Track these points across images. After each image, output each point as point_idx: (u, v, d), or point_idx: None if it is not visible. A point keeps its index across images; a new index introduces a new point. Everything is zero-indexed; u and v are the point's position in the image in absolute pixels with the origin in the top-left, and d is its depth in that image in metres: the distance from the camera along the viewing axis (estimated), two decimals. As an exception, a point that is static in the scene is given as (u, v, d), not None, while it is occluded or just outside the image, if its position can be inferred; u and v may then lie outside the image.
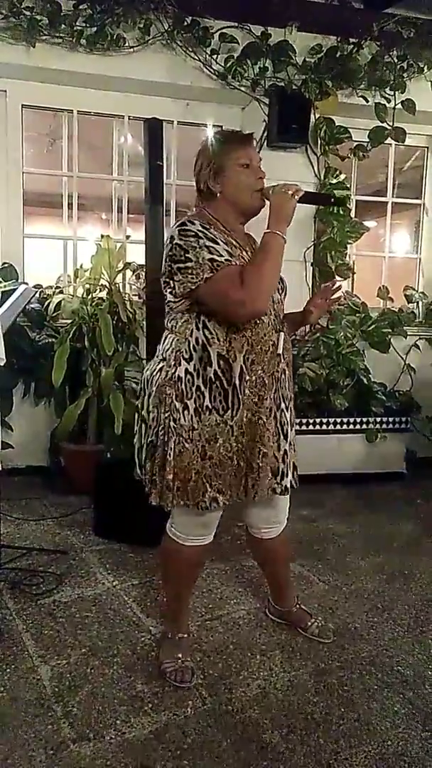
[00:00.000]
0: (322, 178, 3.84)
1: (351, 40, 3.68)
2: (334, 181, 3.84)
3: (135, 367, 3.58)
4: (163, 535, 1.84)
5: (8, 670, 1.85)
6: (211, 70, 3.57)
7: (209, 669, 1.90)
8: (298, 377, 3.59)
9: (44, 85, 3.51)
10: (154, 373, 1.70)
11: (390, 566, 2.67)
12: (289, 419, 1.80)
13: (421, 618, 2.26)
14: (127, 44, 3.38)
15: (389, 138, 3.82)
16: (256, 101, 3.70)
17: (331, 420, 3.68)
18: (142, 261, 2.96)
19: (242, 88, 3.65)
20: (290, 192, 1.68)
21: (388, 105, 3.75)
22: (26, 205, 3.69)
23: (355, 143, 3.91)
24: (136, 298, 3.67)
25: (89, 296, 3.45)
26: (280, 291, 1.79)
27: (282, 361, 1.74)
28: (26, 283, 3.11)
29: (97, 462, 3.12)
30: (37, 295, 3.45)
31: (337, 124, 3.77)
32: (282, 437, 1.76)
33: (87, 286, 3.49)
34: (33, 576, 2.38)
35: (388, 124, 3.77)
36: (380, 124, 3.77)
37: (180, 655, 1.86)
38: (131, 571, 2.52)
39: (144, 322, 3.00)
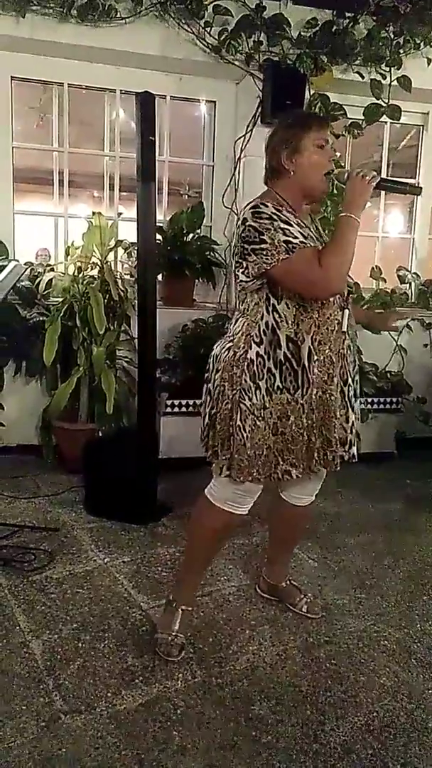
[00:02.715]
0: (316, 156, 3.80)
1: (347, 14, 3.62)
2: (328, 159, 3.80)
3: (126, 345, 3.57)
4: (200, 498, 1.88)
5: (0, 645, 1.87)
6: (205, 44, 3.51)
7: (199, 643, 1.93)
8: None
9: (34, 57, 3.43)
10: (223, 351, 1.77)
11: (378, 544, 2.71)
12: (355, 391, 1.86)
13: (408, 594, 2.30)
14: (118, 15, 3.31)
15: (384, 115, 3.77)
16: (250, 76, 3.64)
17: (323, 400, 3.69)
18: (134, 239, 2.92)
19: (236, 63, 3.59)
20: (368, 178, 1.68)
21: (383, 81, 3.69)
22: (16, 182, 3.63)
23: (350, 120, 3.86)
24: (127, 277, 3.64)
25: (80, 274, 3.42)
26: None
27: (347, 338, 1.77)
28: (17, 260, 3.08)
29: (88, 440, 3.13)
30: (28, 272, 3.42)
31: (331, 100, 3.72)
32: (350, 409, 1.82)
33: (78, 264, 3.46)
34: (25, 553, 2.40)
35: (383, 101, 3.72)
36: (375, 101, 3.72)
37: (175, 628, 1.89)
38: (122, 548, 2.54)
39: (135, 301, 2.98)
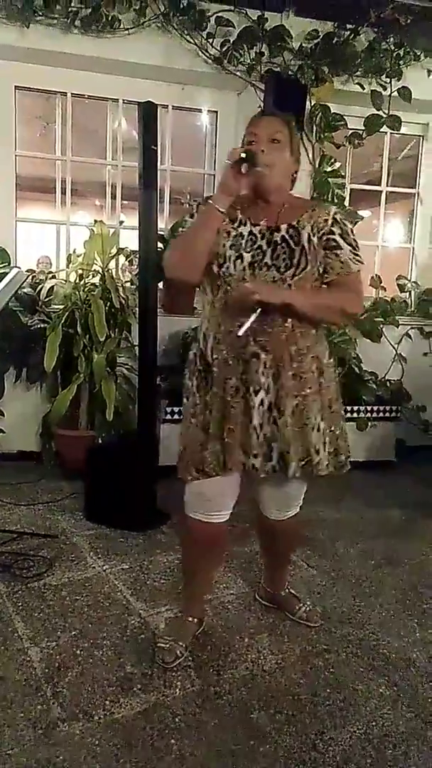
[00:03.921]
0: (317, 165, 3.84)
1: (348, 26, 3.66)
2: (329, 169, 3.84)
3: (127, 353, 3.58)
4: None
5: (-2, 651, 1.87)
6: (207, 55, 3.55)
7: (198, 651, 1.92)
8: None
9: (38, 67, 3.47)
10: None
11: (377, 552, 2.70)
12: (266, 405, 1.70)
13: (407, 603, 2.29)
14: (122, 26, 3.35)
15: (384, 126, 3.80)
16: (252, 86, 3.68)
17: (323, 408, 3.70)
18: (136, 247, 2.94)
19: (238, 73, 3.62)
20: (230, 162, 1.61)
21: (384, 93, 3.74)
22: (19, 189, 3.66)
23: (351, 131, 3.90)
24: (128, 284, 3.66)
25: (82, 282, 3.44)
26: (267, 267, 1.65)
27: (251, 344, 1.66)
28: (18, 267, 3.09)
29: (88, 447, 3.13)
30: (29, 279, 3.43)
31: (332, 111, 3.76)
32: (249, 420, 1.69)
33: (80, 271, 3.47)
34: (24, 559, 2.39)
35: (383, 111, 3.76)
36: (376, 111, 3.76)
37: (175, 638, 1.90)
38: (121, 555, 2.54)
39: (136, 308, 2.99)
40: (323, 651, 1.96)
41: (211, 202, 1.64)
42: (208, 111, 3.87)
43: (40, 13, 3.23)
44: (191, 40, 3.50)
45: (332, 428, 1.81)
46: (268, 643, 1.99)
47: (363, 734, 1.62)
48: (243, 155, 1.59)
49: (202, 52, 3.54)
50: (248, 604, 2.21)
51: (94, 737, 1.55)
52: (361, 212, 4.05)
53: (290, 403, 1.70)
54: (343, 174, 3.94)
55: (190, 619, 1.97)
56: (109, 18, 3.30)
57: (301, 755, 1.54)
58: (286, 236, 1.67)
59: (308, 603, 2.16)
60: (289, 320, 1.66)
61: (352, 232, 1.74)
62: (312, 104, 3.72)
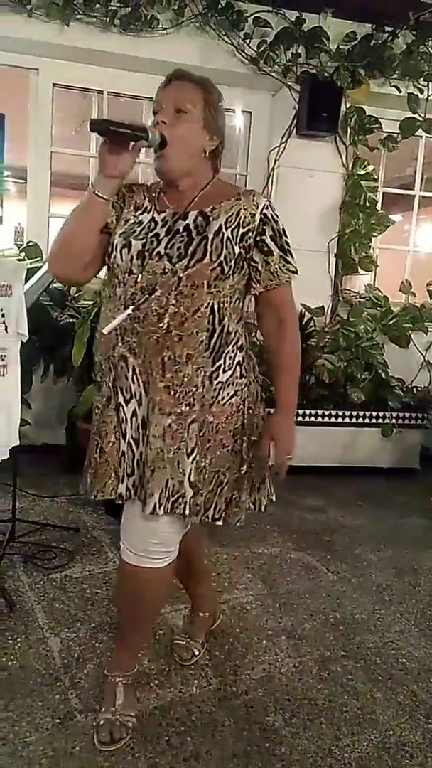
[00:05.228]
0: (350, 168, 3.81)
1: (386, 28, 3.63)
2: (362, 172, 3.81)
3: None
4: None
5: (19, 640, 1.89)
6: (243, 55, 3.54)
7: (215, 650, 1.92)
8: (316, 368, 3.58)
9: (76, 65, 3.50)
10: None
11: (399, 560, 2.67)
12: (140, 419, 1.41)
13: (428, 612, 2.26)
14: (160, 26, 3.36)
15: (420, 130, 3.76)
16: (287, 87, 3.66)
17: (347, 413, 3.67)
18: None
19: (273, 74, 3.61)
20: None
21: (420, 96, 3.70)
22: (53, 186, 3.70)
23: (385, 134, 3.87)
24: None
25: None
26: (149, 256, 1.37)
27: (120, 344, 1.40)
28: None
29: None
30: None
31: (367, 113, 3.73)
32: (122, 436, 1.44)
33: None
34: (46, 551, 2.42)
35: (419, 115, 3.72)
36: (412, 115, 3.72)
37: (191, 635, 1.89)
38: (142, 551, 2.55)
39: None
40: (341, 657, 1.95)
41: (91, 187, 1.38)
42: (242, 111, 3.87)
43: (80, 12, 3.27)
44: (228, 41, 3.50)
45: (216, 466, 1.44)
46: (286, 646, 1.98)
47: (380, 742, 1.61)
48: (117, 128, 1.28)
49: (239, 53, 3.54)
50: (267, 606, 2.20)
51: (111, 730, 1.57)
52: (392, 216, 4.01)
53: (161, 420, 1.38)
54: (375, 177, 3.91)
55: (204, 614, 1.94)
56: (148, 17, 3.32)
57: (317, 760, 1.53)
58: (192, 225, 1.39)
59: (117, 713, 1.58)
60: (166, 319, 1.34)
61: (284, 232, 1.44)
62: (347, 106, 3.70)
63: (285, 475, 1.48)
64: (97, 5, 3.26)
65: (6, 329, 2.16)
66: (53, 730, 1.55)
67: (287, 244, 1.45)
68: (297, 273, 1.47)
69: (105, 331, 1.40)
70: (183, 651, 1.86)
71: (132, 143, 1.32)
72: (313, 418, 3.59)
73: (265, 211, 1.42)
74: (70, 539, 2.58)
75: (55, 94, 3.59)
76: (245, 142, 3.92)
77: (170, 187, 1.44)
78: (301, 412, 3.56)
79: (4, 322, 2.13)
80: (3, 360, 2.19)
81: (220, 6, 3.39)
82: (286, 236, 1.45)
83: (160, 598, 1.63)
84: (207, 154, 1.44)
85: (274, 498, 1.59)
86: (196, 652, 1.87)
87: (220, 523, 1.48)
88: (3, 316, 2.12)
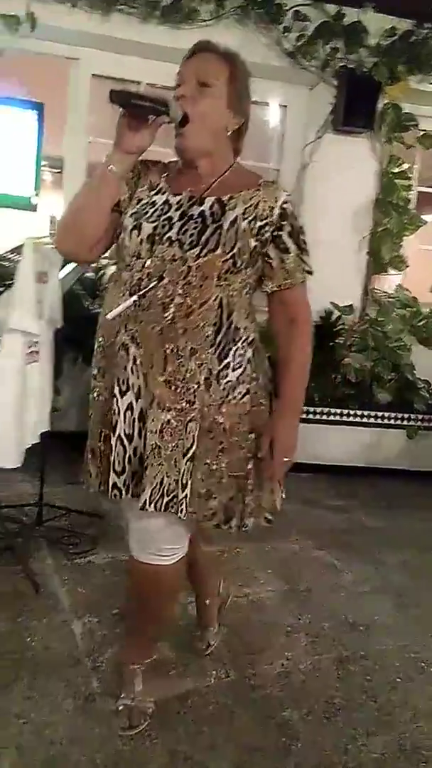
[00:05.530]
0: (385, 165, 3.77)
1: (427, 24, 3.57)
2: (396, 170, 3.76)
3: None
4: None
5: (44, 621, 1.93)
6: (281, 48, 3.52)
7: (234, 643, 1.94)
8: (342, 367, 3.57)
9: (115, 56, 3.50)
10: None
11: (420, 563, 2.66)
12: (137, 412, 1.35)
13: (449, 618, 2.25)
14: (200, 18, 3.35)
15: (459, 128, 3.71)
16: (324, 82, 3.63)
17: (372, 413, 3.65)
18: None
19: (311, 69, 3.58)
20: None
21: (460, 94, 3.64)
22: (88, 176, 3.73)
23: (422, 132, 3.81)
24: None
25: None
26: (160, 241, 1.30)
27: (122, 331, 1.33)
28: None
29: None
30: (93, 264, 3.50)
31: (404, 110, 3.68)
32: (114, 426, 1.36)
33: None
34: (71, 536, 2.46)
35: (459, 113, 3.66)
36: (451, 113, 3.66)
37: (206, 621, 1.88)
38: (163, 541, 2.58)
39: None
40: (359, 658, 1.95)
41: (105, 161, 1.30)
42: (279, 105, 3.85)
43: (122, 2, 3.27)
44: (267, 34, 3.48)
45: (235, 469, 1.36)
46: (305, 643, 1.99)
47: (396, 744, 1.61)
48: (138, 101, 1.21)
49: (277, 46, 3.52)
50: (286, 602, 2.21)
51: (130, 715, 1.59)
52: (424, 216, 3.95)
53: (159, 416, 1.32)
54: (410, 176, 3.85)
55: (208, 600, 1.87)
56: (189, 9, 3.32)
57: (333, 758, 1.54)
58: (207, 212, 1.32)
59: (136, 699, 1.61)
60: (171, 309, 1.28)
61: (302, 229, 1.38)
62: (384, 103, 3.65)
63: (282, 477, 1.42)
64: (140, -4, 3.27)
65: (41, 316, 2.19)
66: (74, 712, 1.59)
67: (304, 242, 1.38)
68: (312, 273, 1.41)
69: (109, 317, 1.33)
70: (197, 641, 1.88)
71: (152, 117, 1.25)
72: (337, 417, 3.57)
73: (284, 206, 1.35)
74: (95, 526, 2.62)
75: (93, 85, 3.61)
76: (280, 136, 3.90)
77: (188, 167, 1.38)
78: (326, 410, 3.54)
79: (40, 309, 2.17)
80: (36, 346, 2.23)
81: (260, -1, 3.37)
82: (303, 234, 1.38)
83: (171, 593, 1.59)
84: (230, 133, 1.37)
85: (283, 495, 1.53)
86: (212, 642, 1.88)
87: (248, 530, 1.42)
88: (39, 302, 2.15)
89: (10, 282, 2.14)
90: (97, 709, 1.61)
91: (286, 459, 1.40)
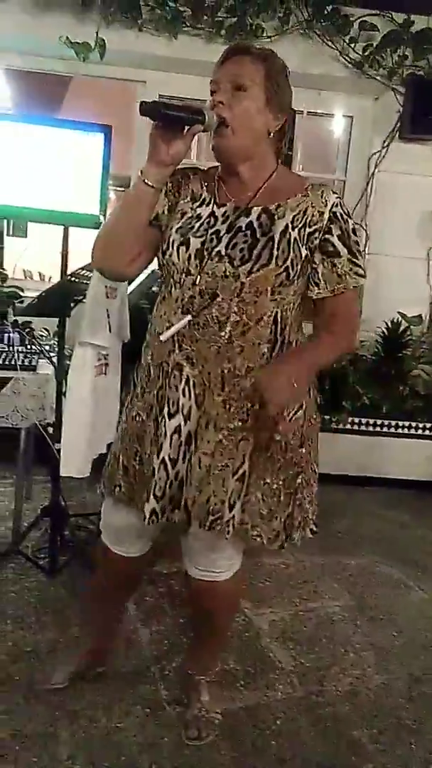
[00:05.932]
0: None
1: None
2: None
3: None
4: None
5: (112, 628, 1.97)
6: (347, 59, 3.50)
7: (301, 658, 1.92)
8: (411, 379, 3.48)
9: (180, 76, 3.60)
10: None
11: None
12: (184, 435, 1.32)
13: None
14: (264, 34, 3.39)
15: None
16: (391, 91, 3.59)
17: (442, 426, 3.53)
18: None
19: (378, 78, 3.55)
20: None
21: None
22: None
23: None
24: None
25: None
26: (209, 256, 1.26)
27: (177, 351, 1.30)
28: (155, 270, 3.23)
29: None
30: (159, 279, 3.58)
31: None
32: (159, 449, 1.32)
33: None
34: (137, 545, 2.50)
35: None
36: None
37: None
38: (228, 552, 2.58)
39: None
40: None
41: (139, 174, 1.25)
42: (343, 116, 3.83)
43: (188, 24, 3.36)
44: (332, 46, 3.48)
45: (290, 487, 1.35)
46: (374, 662, 1.94)
47: (473, 772, 1.54)
48: (170, 111, 1.17)
49: (343, 57, 3.51)
50: (354, 618, 2.16)
51: (198, 725, 1.60)
52: None
53: (212, 436, 1.30)
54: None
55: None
56: (254, 26, 3.37)
57: (405, 782, 1.49)
58: (255, 223, 1.27)
59: (204, 710, 1.62)
60: (228, 328, 1.26)
61: (354, 231, 1.32)
62: (453, 108, 3.57)
63: (280, 403, 1.22)
64: (205, 17, 3.34)
65: (110, 329, 2.26)
66: (143, 719, 1.61)
67: (357, 244, 1.32)
68: (365, 277, 1.33)
69: (163, 338, 1.29)
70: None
71: (187, 127, 1.21)
72: (405, 430, 3.48)
73: (335, 209, 1.29)
74: (164, 533, 2.64)
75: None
76: (345, 147, 3.88)
77: (230, 175, 1.33)
78: (394, 423, 3.46)
79: (108, 323, 2.24)
80: (105, 359, 2.29)
81: (326, 12, 3.38)
82: (356, 235, 1.32)
83: (229, 607, 1.59)
84: (272, 134, 1.30)
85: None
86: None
87: (295, 543, 1.41)
88: (108, 317, 2.22)
89: (82, 297, 2.23)
90: (166, 717, 1.62)
91: (272, 404, 1.21)
